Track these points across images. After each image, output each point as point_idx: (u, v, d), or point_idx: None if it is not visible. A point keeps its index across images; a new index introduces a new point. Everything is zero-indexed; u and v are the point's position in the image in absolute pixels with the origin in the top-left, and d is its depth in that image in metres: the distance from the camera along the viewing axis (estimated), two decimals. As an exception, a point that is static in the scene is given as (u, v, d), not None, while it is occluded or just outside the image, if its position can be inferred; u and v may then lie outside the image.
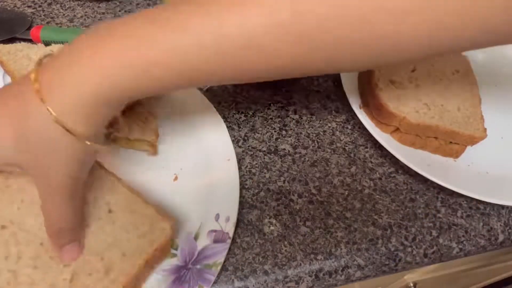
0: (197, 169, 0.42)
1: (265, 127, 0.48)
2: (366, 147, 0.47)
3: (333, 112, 0.50)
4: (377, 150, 0.47)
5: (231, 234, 0.37)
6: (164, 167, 0.42)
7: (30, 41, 0.51)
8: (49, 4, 0.59)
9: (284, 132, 0.47)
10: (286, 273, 0.37)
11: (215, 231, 0.37)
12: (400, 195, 0.43)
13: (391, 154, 0.43)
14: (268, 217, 0.40)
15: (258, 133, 0.47)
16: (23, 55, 0.42)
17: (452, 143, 0.45)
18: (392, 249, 0.40)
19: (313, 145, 0.47)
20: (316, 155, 0.46)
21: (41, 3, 0.59)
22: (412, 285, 0.72)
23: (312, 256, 0.38)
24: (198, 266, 0.35)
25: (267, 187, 0.42)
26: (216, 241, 0.37)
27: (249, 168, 0.44)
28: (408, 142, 0.45)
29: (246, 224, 0.40)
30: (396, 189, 0.44)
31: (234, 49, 0.24)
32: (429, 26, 0.23)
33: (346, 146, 0.47)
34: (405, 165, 0.42)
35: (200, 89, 0.49)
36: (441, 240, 0.41)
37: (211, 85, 0.49)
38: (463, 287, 0.96)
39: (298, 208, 0.41)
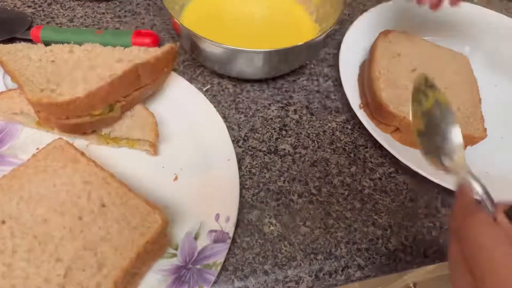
0: (197, 169, 0.42)
1: (265, 127, 0.48)
2: (366, 147, 0.47)
3: (333, 112, 0.50)
4: (377, 150, 0.47)
5: (231, 234, 0.37)
6: (164, 167, 0.42)
7: (30, 41, 0.51)
8: (49, 4, 0.59)
9: (284, 132, 0.47)
10: (286, 273, 0.37)
11: (215, 231, 0.37)
12: (400, 195, 0.43)
13: (391, 154, 0.43)
14: (268, 217, 0.40)
15: (258, 133, 0.47)
16: (23, 55, 0.42)
17: None
18: (392, 249, 0.40)
19: (313, 145, 0.47)
20: (316, 155, 0.46)
21: (41, 3, 0.59)
22: (412, 285, 0.72)
23: (312, 256, 0.38)
24: (198, 266, 0.35)
25: (267, 187, 0.42)
26: (216, 241, 0.37)
27: (249, 168, 0.44)
28: (408, 142, 0.45)
29: (246, 224, 0.40)
30: (396, 189, 0.44)
31: None
32: None
33: (346, 146, 0.47)
34: (405, 165, 0.42)
35: (200, 89, 0.49)
36: (441, 240, 0.41)
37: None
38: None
39: (298, 208, 0.41)
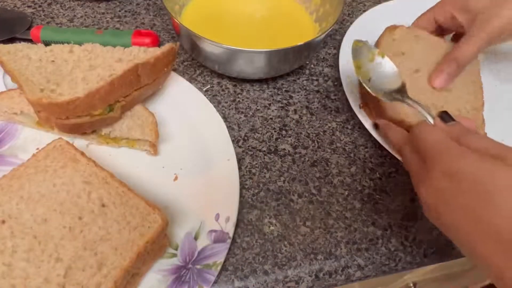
0: (197, 169, 0.42)
1: (265, 127, 0.48)
2: (366, 147, 0.47)
3: (333, 112, 0.50)
4: (377, 150, 0.47)
5: (231, 234, 0.37)
6: (164, 167, 0.42)
7: (30, 41, 0.51)
8: (49, 4, 0.59)
9: (284, 132, 0.47)
10: (286, 273, 0.37)
11: (215, 231, 0.37)
12: (400, 195, 0.43)
13: (391, 154, 0.43)
14: (268, 217, 0.40)
15: (258, 133, 0.47)
16: (23, 55, 0.42)
17: None
18: (392, 249, 0.40)
19: (313, 145, 0.47)
20: (316, 155, 0.46)
21: (41, 3, 0.59)
22: (412, 285, 0.72)
23: (312, 256, 0.38)
24: (198, 266, 0.35)
25: (267, 187, 0.42)
26: (216, 241, 0.37)
27: (249, 168, 0.44)
28: None
29: (246, 224, 0.40)
30: (396, 189, 0.44)
31: None
32: None
33: (346, 146, 0.47)
34: (405, 165, 0.42)
35: (200, 89, 0.50)
36: (441, 240, 0.41)
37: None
38: (462, 287, 0.96)
39: (298, 208, 0.41)
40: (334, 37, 0.59)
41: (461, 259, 0.42)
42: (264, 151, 0.45)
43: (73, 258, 0.31)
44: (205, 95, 0.47)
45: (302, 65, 0.54)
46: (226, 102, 0.50)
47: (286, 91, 0.52)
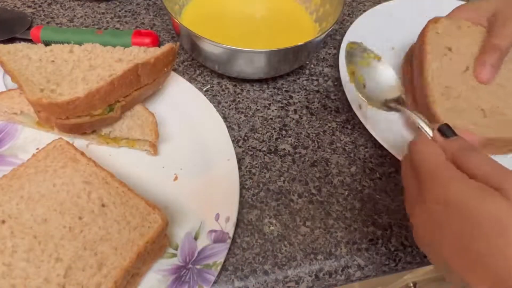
0: (197, 169, 0.42)
1: (265, 127, 0.48)
2: (366, 147, 0.47)
3: (333, 112, 0.50)
4: (377, 150, 0.47)
5: (231, 234, 0.37)
6: (164, 167, 0.42)
7: (30, 41, 0.51)
8: (49, 4, 0.59)
9: (284, 132, 0.47)
10: (286, 273, 0.37)
11: (215, 231, 0.37)
12: (400, 195, 0.43)
13: (391, 154, 0.43)
14: (268, 217, 0.40)
15: (258, 133, 0.47)
16: (23, 55, 0.42)
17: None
18: (392, 249, 0.40)
19: (313, 145, 0.47)
20: (316, 155, 0.46)
21: (41, 3, 0.59)
22: (412, 285, 0.72)
23: (312, 256, 0.38)
24: (198, 266, 0.35)
25: (267, 187, 0.42)
26: (216, 241, 0.37)
27: (249, 168, 0.44)
28: None
29: (246, 224, 0.40)
30: (396, 189, 0.44)
31: None
32: None
33: (346, 146, 0.47)
34: (405, 165, 0.42)
35: (200, 89, 0.50)
36: (441, 240, 0.41)
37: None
38: (462, 287, 0.96)
39: (298, 208, 0.41)
40: (334, 37, 0.59)
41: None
42: (264, 151, 0.45)
43: (73, 258, 0.31)
44: (205, 95, 0.47)
45: (302, 65, 0.54)
46: (226, 102, 0.50)
47: (286, 91, 0.52)
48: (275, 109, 0.49)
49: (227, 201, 0.39)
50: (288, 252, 0.38)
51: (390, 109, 0.40)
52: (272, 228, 0.40)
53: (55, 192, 0.35)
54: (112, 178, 0.37)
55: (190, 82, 0.49)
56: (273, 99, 0.51)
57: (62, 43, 0.45)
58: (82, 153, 0.38)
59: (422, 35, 0.48)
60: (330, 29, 0.47)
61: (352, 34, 0.54)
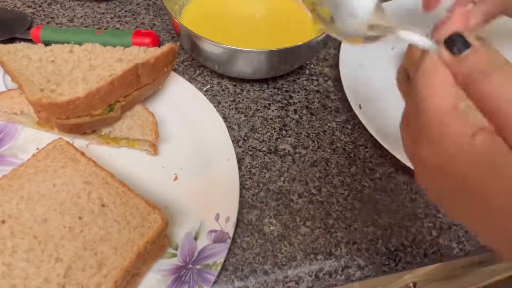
0: (197, 169, 0.42)
1: (265, 127, 0.48)
2: (366, 147, 0.47)
3: (333, 112, 0.50)
4: (377, 150, 0.47)
5: (231, 234, 0.37)
6: (164, 167, 0.42)
7: (30, 41, 0.51)
8: (49, 4, 0.59)
9: (284, 132, 0.47)
10: (286, 273, 0.37)
11: (215, 231, 0.37)
12: (400, 195, 0.43)
13: (391, 154, 0.43)
14: (268, 217, 0.40)
15: (258, 133, 0.47)
16: (23, 55, 0.42)
17: None
18: (392, 249, 0.40)
19: (313, 145, 0.47)
20: (316, 155, 0.46)
21: (41, 3, 0.59)
22: (412, 285, 0.72)
23: (312, 256, 0.38)
24: (198, 266, 0.35)
25: (267, 187, 0.42)
26: (216, 241, 0.37)
27: (249, 168, 0.44)
28: None
29: (246, 224, 0.40)
30: (396, 189, 0.44)
31: None
32: None
33: (346, 146, 0.47)
34: (405, 165, 0.42)
35: (200, 89, 0.49)
36: (441, 240, 0.41)
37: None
38: (462, 287, 0.96)
39: (298, 208, 0.41)
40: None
41: (461, 259, 0.42)
42: (264, 151, 0.45)
43: (73, 258, 0.31)
44: (205, 95, 0.47)
45: (302, 65, 0.54)
46: (226, 102, 0.50)
47: (286, 91, 0.52)
48: (275, 109, 0.49)
49: (227, 201, 0.39)
50: (288, 252, 0.38)
51: (373, 38, 0.29)
52: (272, 228, 0.40)
53: (55, 192, 0.35)
54: (112, 178, 0.37)
55: (190, 82, 0.49)
56: (273, 99, 0.51)
57: (62, 43, 0.45)
58: (82, 153, 0.38)
59: (410, 54, 0.49)
60: (330, 29, 0.47)
61: (352, 34, 0.54)
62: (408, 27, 0.25)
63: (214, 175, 0.41)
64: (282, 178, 0.43)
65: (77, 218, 0.33)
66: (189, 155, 0.43)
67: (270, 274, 0.37)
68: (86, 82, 0.39)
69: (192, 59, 0.54)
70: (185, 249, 0.36)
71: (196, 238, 0.37)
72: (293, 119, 0.49)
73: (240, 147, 0.45)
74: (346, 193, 0.43)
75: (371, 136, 0.45)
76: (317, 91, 0.52)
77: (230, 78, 0.52)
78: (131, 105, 0.44)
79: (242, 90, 0.51)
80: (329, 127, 0.48)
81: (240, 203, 0.40)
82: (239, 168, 0.43)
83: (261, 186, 0.42)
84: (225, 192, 0.40)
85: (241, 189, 0.42)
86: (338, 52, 0.53)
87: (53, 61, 0.42)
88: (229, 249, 0.37)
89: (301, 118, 0.49)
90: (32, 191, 0.35)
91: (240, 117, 0.48)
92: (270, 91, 0.51)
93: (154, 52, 0.43)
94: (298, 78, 0.53)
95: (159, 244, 0.35)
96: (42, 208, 0.34)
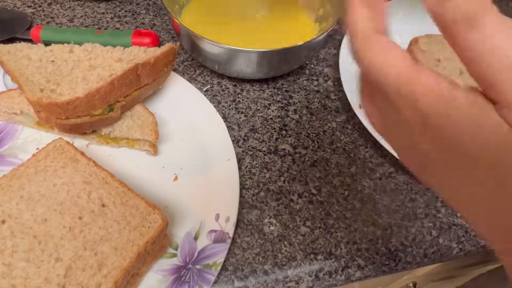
0: (197, 169, 0.42)
1: (265, 127, 0.48)
2: (366, 147, 0.47)
3: (333, 112, 0.50)
4: (377, 150, 0.47)
5: (231, 234, 0.37)
6: (164, 167, 0.42)
7: (30, 41, 0.51)
8: (49, 4, 0.59)
9: (284, 132, 0.47)
10: (286, 273, 0.37)
11: (215, 231, 0.37)
12: (400, 195, 0.43)
13: (391, 154, 0.43)
14: (268, 217, 0.40)
15: (258, 133, 0.47)
16: (23, 55, 0.42)
17: None
18: (392, 249, 0.40)
19: (313, 145, 0.47)
20: (316, 155, 0.46)
21: (41, 3, 0.59)
22: (412, 285, 0.72)
23: (312, 256, 0.38)
24: (198, 266, 0.35)
25: (267, 187, 0.42)
26: (216, 241, 0.37)
27: (249, 168, 0.44)
28: None
29: (246, 224, 0.40)
30: (396, 189, 0.44)
31: None
32: None
33: (346, 146, 0.47)
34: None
35: (200, 89, 0.49)
36: (441, 240, 0.41)
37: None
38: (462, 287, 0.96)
39: (298, 208, 0.41)
40: (334, 37, 0.59)
41: (461, 259, 0.42)
42: (264, 151, 0.45)
43: (73, 258, 0.31)
44: (205, 95, 0.47)
45: (302, 65, 0.54)
46: (226, 102, 0.50)
47: (286, 91, 0.52)
48: (275, 109, 0.49)
49: (227, 201, 0.39)
50: (288, 252, 0.38)
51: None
52: (272, 228, 0.40)
53: (55, 192, 0.35)
54: (112, 178, 0.37)
55: (190, 82, 0.49)
56: (273, 99, 0.51)
57: (62, 43, 0.45)
58: (82, 153, 0.38)
59: (411, 56, 0.50)
60: (330, 29, 0.47)
61: (352, 34, 0.54)
62: None
63: (214, 175, 0.41)
64: (282, 178, 0.43)
65: (77, 218, 0.33)
66: (189, 155, 0.43)
67: (270, 274, 0.37)
68: (86, 82, 0.39)
69: (192, 59, 0.54)
70: (185, 249, 0.36)
71: (196, 238, 0.37)
72: (293, 119, 0.49)
73: (240, 147, 0.45)
74: (346, 193, 0.43)
75: (371, 136, 0.45)
76: (317, 91, 0.52)
77: (230, 78, 0.52)
78: (131, 105, 0.44)
79: (242, 90, 0.51)
80: (329, 127, 0.48)
81: (240, 203, 0.40)
82: (239, 168, 0.43)
83: (261, 186, 0.42)
84: (225, 192, 0.40)
85: (241, 189, 0.42)
86: (338, 52, 0.53)
87: (53, 61, 0.42)
88: (229, 249, 0.37)
89: (301, 118, 0.49)
90: (32, 191, 0.35)
91: (240, 117, 0.48)
92: (270, 91, 0.51)
93: (154, 52, 0.43)
94: (298, 78, 0.53)
95: (159, 244, 0.35)
96: (42, 208, 0.34)
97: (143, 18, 0.58)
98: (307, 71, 0.54)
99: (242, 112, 0.49)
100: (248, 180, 0.43)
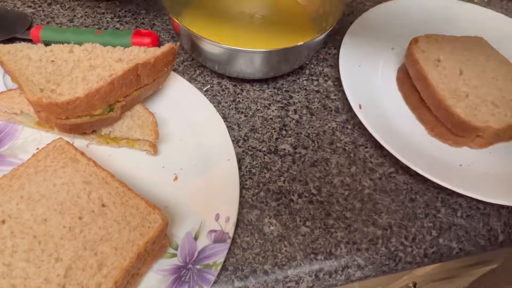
0: (197, 169, 0.42)
1: (265, 127, 0.48)
2: (366, 147, 0.47)
3: (333, 112, 0.50)
4: (377, 150, 0.47)
5: (231, 234, 0.37)
6: (164, 167, 0.42)
7: (30, 41, 0.51)
8: (49, 4, 0.59)
9: (284, 132, 0.47)
10: (286, 273, 0.37)
11: (215, 231, 0.37)
12: (400, 195, 0.43)
13: (391, 154, 0.43)
14: (268, 217, 0.40)
15: (258, 133, 0.47)
16: (23, 55, 0.42)
17: None
18: (392, 249, 0.40)
19: (313, 145, 0.47)
20: (316, 155, 0.46)
21: (41, 3, 0.59)
22: (412, 285, 0.72)
23: (312, 256, 0.38)
24: (198, 266, 0.35)
25: (267, 187, 0.42)
26: (216, 241, 0.37)
27: (249, 168, 0.44)
28: (488, 144, 0.47)
29: (246, 224, 0.40)
30: (396, 189, 0.44)
31: None
32: None
33: (346, 146, 0.47)
34: (405, 165, 0.42)
35: (200, 89, 0.50)
36: (441, 240, 0.41)
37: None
38: (462, 287, 0.96)
39: (298, 208, 0.41)
40: (334, 37, 0.59)
41: (461, 259, 0.42)
42: (264, 151, 0.45)
43: (73, 258, 0.31)
44: (205, 95, 0.47)
45: (302, 65, 0.54)
46: (226, 102, 0.50)
47: (286, 91, 0.52)
48: (275, 109, 0.49)
49: (227, 201, 0.39)
50: (288, 252, 0.38)
51: None
52: (272, 228, 0.40)
53: (55, 192, 0.35)
54: (112, 178, 0.37)
55: (190, 82, 0.49)
56: (273, 99, 0.51)
57: (62, 43, 0.45)
58: (82, 153, 0.38)
59: (411, 56, 0.51)
60: (330, 29, 0.47)
61: (352, 34, 0.55)
62: None
63: (214, 175, 0.41)
64: (282, 178, 0.43)
65: (77, 218, 0.33)
66: (189, 155, 0.43)
67: (270, 274, 0.37)
68: (86, 82, 0.39)
69: (192, 59, 0.54)
70: (185, 249, 0.36)
71: (196, 238, 0.37)
72: (293, 119, 0.49)
73: (240, 147, 0.45)
74: (346, 193, 0.43)
75: (371, 136, 0.45)
76: (317, 91, 0.52)
77: (230, 78, 0.52)
78: (131, 105, 0.44)
79: (242, 90, 0.51)
80: (329, 127, 0.48)
81: (240, 203, 0.40)
82: (239, 168, 0.43)
83: (261, 186, 0.42)
84: (225, 192, 0.40)
85: (241, 189, 0.42)
86: (338, 52, 0.53)
87: (53, 61, 0.42)
88: (229, 249, 0.37)
89: (301, 118, 0.49)
90: (32, 191, 0.35)
91: (240, 117, 0.48)
92: (270, 91, 0.51)
93: (154, 52, 0.43)
94: (298, 78, 0.53)
95: (159, 244, 0.35)
96: (42, 208, 0.34)
97: (143, 18, 0.58)
98: (307, 71, 0.54)
99: (242, 112, 0.49)
100: (248, 180, 0.43)
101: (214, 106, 0.46)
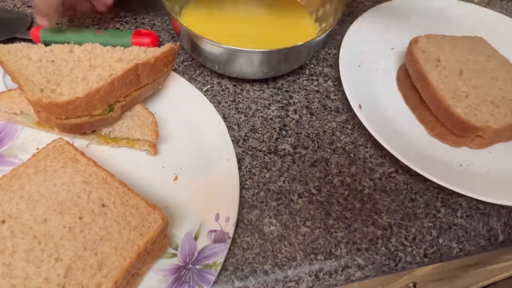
0: (197, 169, 0.42)
1: (265, 127, 0.48)
2: (366, 147, 0.47)
3: (333, 112, 0.50)
4: (377, 150, 0.47)
5: (231, 234, 0.37)
6: (164, 167, 0.42)
7: (30, 41, 0.51)
8: (49, 4, 0.59)
9: (284, 132, 0.47)
10: (286, 273, 0.37)
11: (215, 231, 0.37)
12: (400, 195, 0.43)
13: (391, 154, 0.43)
14: (268, 217, 0.40)
15: (258, 133, 0.47)
16: (23, 55, 0.42)
17: None
18: (392, 249, 0.40)
19: (313, 145, 0.47)
20: (316, 155, 0.46)
21: (41, 3, 0.58)
22: (412, 285, 0.72)
23: (312, 256, 0.38)
24: (198, 266, 0.35)
25: (267, 187, 0.42)
26: (216, 241, 0.37)
27: (249, 168, 0.44)
28: (488, 143, 0.47)
29: (246, 224, 0.40)
30: (396, 189, 0.44)
31: None
32: None
33: (346, 146, 0.47)
34: (405, 165, 0.42)
35: (200, 89, 0.50)
36: (441, 240, 0.41)
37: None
38: (462, 287, 0.96)
39: (298, 208, 0.41)
40: (334, 37, 0.59)
41: (461, 259, 0.42)
42: (264, 151, 0.45)
43: (73, 258, 0.31)
44: (205, 95, 0.47)
45: (302, 65, 0.54)
46: (226, 102, 0.50)
47: (286, 91, 0.52)
48: (275, 109, 0.49)
49: (227, 201, 0.39)
50: (288, 252, 0.38)
51: None
52: (272, 228, 0.40)
53: (55, 192, 0.35)
54: (112, 178, 0.37)
55: (190, 82, 0.49)
56: (273, 99, 0.51)
57: (62, 43, 0.45)
58: (82, 153, 0.38)
59: (411, 56, 0.52)
60: (330, 29, 0.47)
61: (352, 34, 0.55)
62: None
63: (214, 175, 0.41)
64: (282, 178, 0.43)
65: (77, 218, 0.33)
66: (189, 155, 0.43)
67: (270, 274, 0.37)
68: (86, 82, 0.39)
69: (192, 59, 0.54)
70: (185, 249, 0.36)
71: (196, 238, 0.37)
72: (293, 119, 0.49)
73: (240, 147, 0.45)
74: (346, 193, 0.43)
75: (371, 136, 0.45)
76: (317, 91, 0.52)
77: (230, 78, 0.52)
78: (131, 105, 0.44)
79: (242, 90, 0.51)
80: (329, 127, 0.48)
81: (240, 203, 0.40)
82: (239, 168, 0.43)
83: (261, 186, 0.42)
84: (225, 192, 0.40)
85: (241, 189, 0.42)
86: (338, 52, 0.53)
87: (53, 61, 0.42)
88: (229, 249, 0.37)
89: (301, 118, 0.49)
90: (32, 191, 0.35)
91: (240, 117, 0.48)
92: (270, 91, 0.51)
93: (154, 52, 0.43)
94: (298, 78, 0.53)
95: (159, 244, 0.35)
96: (42, 208, 0.34)
97: (143, 18, 0.58)
98: (307, 71, 0.54)
99: (242, 112, 0.49)
100: (248, 180, 0.43)
101: (214, 106, 0.46)
